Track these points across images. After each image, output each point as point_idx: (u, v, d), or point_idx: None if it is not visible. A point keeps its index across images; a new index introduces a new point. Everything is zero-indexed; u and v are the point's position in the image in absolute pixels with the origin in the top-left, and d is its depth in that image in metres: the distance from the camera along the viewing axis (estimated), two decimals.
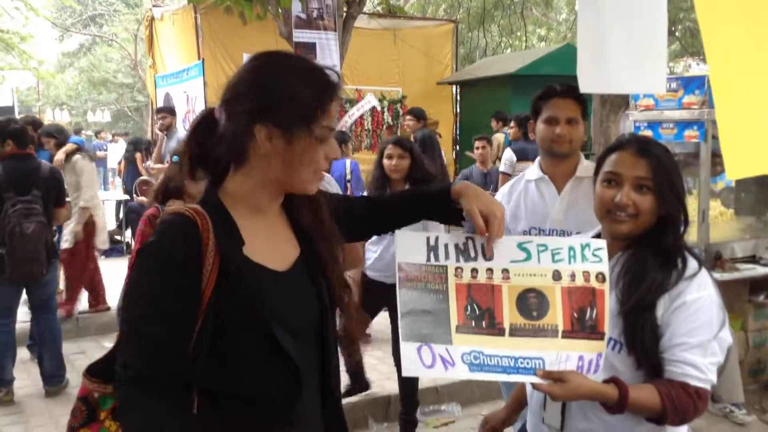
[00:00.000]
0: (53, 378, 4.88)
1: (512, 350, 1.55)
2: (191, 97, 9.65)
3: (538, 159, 2.84)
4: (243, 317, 1.31)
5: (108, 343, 5.77)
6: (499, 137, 9.41)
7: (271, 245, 1.42)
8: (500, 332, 1.55)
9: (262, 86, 1.32)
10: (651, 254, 1.71)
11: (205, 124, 1.40)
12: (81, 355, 5.67)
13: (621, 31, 2.02)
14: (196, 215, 1.31)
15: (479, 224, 1.54)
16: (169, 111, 7.96)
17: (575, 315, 1.56)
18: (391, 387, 4.46)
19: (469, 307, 1.57)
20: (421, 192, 1.74)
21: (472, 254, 1.59)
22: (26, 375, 5.18)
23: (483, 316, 1.56)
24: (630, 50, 2.02)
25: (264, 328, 1.32)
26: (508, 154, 6.68)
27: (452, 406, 4.58)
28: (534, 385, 1.57)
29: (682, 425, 1.68)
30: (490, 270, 1.58)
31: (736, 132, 1.67)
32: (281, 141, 1.32)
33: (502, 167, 6.73)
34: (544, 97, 2.69)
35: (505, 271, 1.58)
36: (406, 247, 1.60)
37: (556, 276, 1.58)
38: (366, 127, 9.38)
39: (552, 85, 2.70)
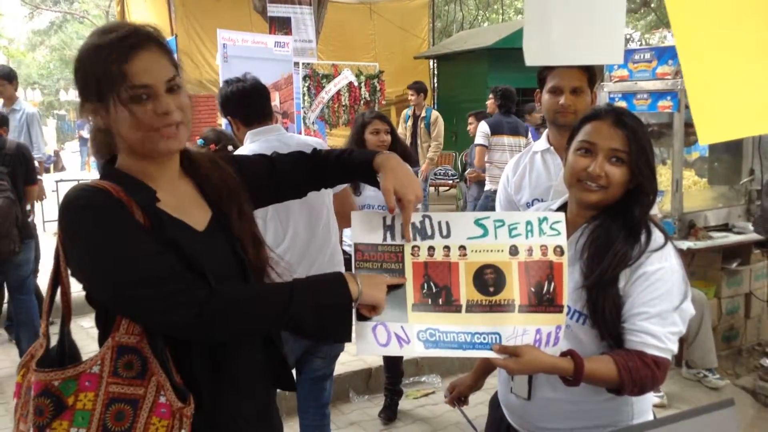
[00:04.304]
0: None
1: (469, 326, 1.54)
2: None
3: (546, 131, 2.77)
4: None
5: (85, 323, 5.72)
6: (438, 115, 8.70)
7: (182, 208, 1.46)
8: (457, 309, 1.55)
9: (75, 71, 1.39)
10: (616, 227, 1.71)
11: None
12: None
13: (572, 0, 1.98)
14: (100, 184, 1.35)
15: (390, 204, 1.53)
16: None
17: (532, 289, 1.55)
18: (371, 360, 4.49)
19: (425, 285, 1.55)
20: (350, 157, 1.71)
21: (429, 232, 1.58)
22: (5, 356, 5.13)
23: (439, 294, 1.55)
24: (583, 19, 1.99)
25: (190, 264, 1.35)
26: (483, 127, 6.70)
27: (432, 377, 4.63)
28: (490, 360, 1.58)
29: (642, 395, 1.69)
30: (447, 247, 1.57)
31: (706, 97, 1.66)
32: (104, 113, 1.36)
33: (477, 139, 6.74)
34: (549, 66, 2.57)
35: (462, 248, 1.56)
36: (363, 228, 1.58)
37: (513, 251, 1.56)
38: (343, 103, 9.29)
39: None
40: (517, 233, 1.58)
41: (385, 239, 1.57)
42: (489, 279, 1.56)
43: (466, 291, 1.55)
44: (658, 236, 1.71)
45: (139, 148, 1.39)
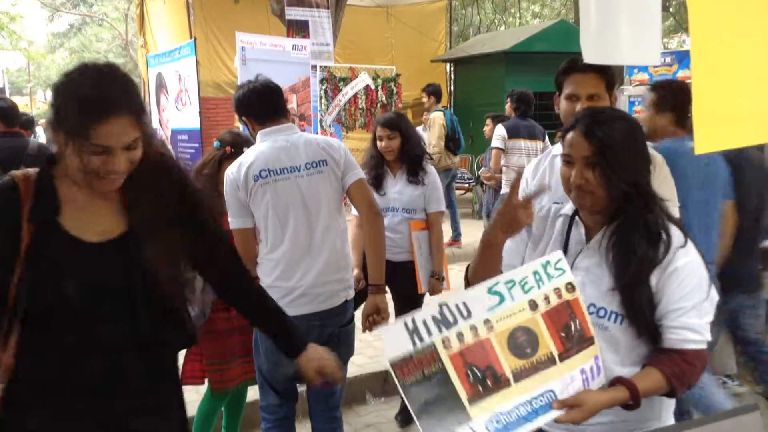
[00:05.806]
0: None
1: (523, 395, 1.54)
2: (183, 77, 9.56)
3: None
4: (44, 275, 1.51)
5: None
6: (436, 116, 8.30)
7: (90, 217, 1.61)
8: (507, 383, 1.54)
9: (54, 97, 1.57)
10: (635, 230, 1.72)
11: None
12: None
13: (621, 2, 2.00)
14: (22, 181, 1.58)
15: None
16: None
17: (563, 334, 1.57)
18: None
19: (470, 374, 1.52)
20: (279, 329, 2.02)
21: (451, 319, 1.54)
22: None
23: (486, 376, 1.54)
24: (629, 21, 2.00)
25: (59, 286, 1.51)
26: (500, 131, 6.71)
27: None
28: (557, 420, 1.55)
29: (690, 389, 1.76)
30: (474, 327, 1.54)
31: (711, 106, 1.66)
32: (62, 143, 1.55)
33: (494, 143, 6.75)
34: (566, 72, 2.53)
35: (487, 321, 1.56)
36: (391, 342, 1.51)
37: (533, 306, 1.58)
38: (360, 106, 9.32)
39: (574, 58, 2.51)
40: (529, 287, 1.59)
41: (414, 344, 1.51)
42: (523, 342, 1.56)
43: (507, 362, 1.54)
44: (676, 232, 1.73)
45: (78, 180, 1.57)
